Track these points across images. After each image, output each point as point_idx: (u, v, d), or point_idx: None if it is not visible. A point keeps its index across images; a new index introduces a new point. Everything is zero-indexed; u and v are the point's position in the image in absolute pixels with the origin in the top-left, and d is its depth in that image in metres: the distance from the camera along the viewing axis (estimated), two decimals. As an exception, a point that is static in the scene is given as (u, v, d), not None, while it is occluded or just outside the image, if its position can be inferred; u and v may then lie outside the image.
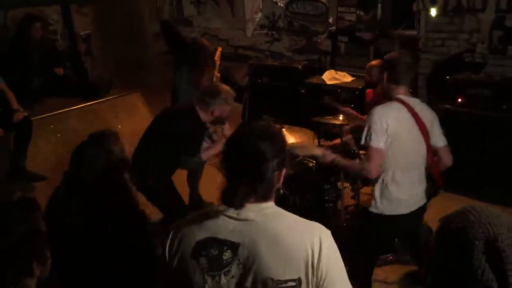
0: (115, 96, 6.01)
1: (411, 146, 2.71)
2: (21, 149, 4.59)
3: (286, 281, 1.42)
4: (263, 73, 6.13)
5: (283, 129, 4.14)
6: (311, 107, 5.41)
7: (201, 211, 1.59)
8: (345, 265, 1.51)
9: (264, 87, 6.06)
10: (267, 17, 6.61)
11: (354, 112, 4.38)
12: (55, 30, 6.31)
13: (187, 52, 4.10)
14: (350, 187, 4.25)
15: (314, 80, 5.77)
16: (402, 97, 2.72)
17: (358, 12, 5.76)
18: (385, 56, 2.99)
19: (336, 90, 5.47)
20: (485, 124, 4.36)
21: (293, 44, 6.50)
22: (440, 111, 4.02)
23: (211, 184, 4.14)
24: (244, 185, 1.46)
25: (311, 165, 4.10)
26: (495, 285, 0.99)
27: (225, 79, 6.28)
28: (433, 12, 5.06)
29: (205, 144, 3.56)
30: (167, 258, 1.54)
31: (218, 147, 3.39)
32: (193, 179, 4.29)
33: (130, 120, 5.71)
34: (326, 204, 3.96)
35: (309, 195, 3.90)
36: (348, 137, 4.12)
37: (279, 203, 1.57)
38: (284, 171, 1.56)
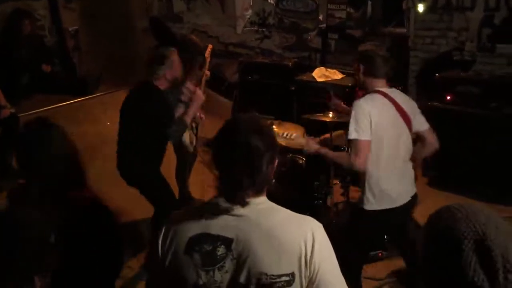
0: (104, 92, 5.97)
1: (395, 137, 2.70)
2: (8, 146, 4.54)
3: (280, 276, 1.43)
4: (253, 70, 6.10)
5: (273, 125, 4.15)
6: (301, 104, 5.42)
7: (193, 206, 1.58)
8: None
9: (254, 84, 6.04)
10: (257, 14, 6.60)
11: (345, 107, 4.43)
12: (42, 25, 6.24)
13: (179, 49, 4.07)
14: (340, 184, 4.26)
15: (304, 77, 5.76)
16: (381, 89, 2.72)
17: (348, 9, 5.76)
18: (359, 48, 2.94)
19: (326, 87, 5.47)
20: (473, 122, 4.39)
21: (284, 41, 6.49)
22: (429, 108, 4.06)
23: (200, 181, 4.13)
24: (244, 181, 1.45)
25: (301, 162, 4.11)
26: (486, 285, 0.99)
27: (215, 76, 6.26)
28: (421, 8, 5.07)
29: (180, 110, 3.51)
30: (160, 254, 1.54)
31: (195, 105, 3.41)
32: (182, 176, 4.27)
33: (118, 116, 5.66)
34: (316, 201, 3.97)
35: (298, 192, 3.91)
36: (337, 133, 4.12)
37: (269, 200, 1.56)
38: (276, 164, 1.55)
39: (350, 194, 4.17)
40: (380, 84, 2.73)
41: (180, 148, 4.08)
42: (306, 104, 5.44)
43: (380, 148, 2.67)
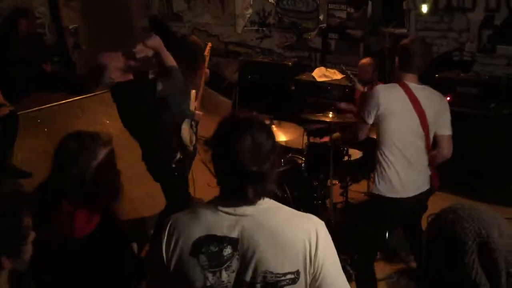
0: (104, 91, 5.95)
1: (403, 127, 2.76)
2: (7, 144, 4.53)
3: (285, 274, 1.44)
4: (253, 69, 6.11)
5: (273, 125, 4.14)
6: (300, 104, 5.42)
7: (195, 207, 1.57)
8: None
9: (254, 83, 6.04)
10: (257, 14, 6.59)
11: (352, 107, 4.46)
12: (42, 23, 6.23)
13: (180, 50, 4.05)
14: (339, 184, 4.26)
15: (304, 77, 5.76)
16: (407, 82, 2.78)
17: (348, 9, 5.75)
18: (400, 42, 2.99)
19: (326, 87, 5.47)
20: (473, 123, 4.39)
21: (284, 40, 6.49)
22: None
23: (200, 180, 4.12)
24: (248, 176, 1.44)
25: (300, 161, 4.11)
26: (487, 285, 0.99)
27: (215, 75, 6.25)
28: (424, 9, 5.07)
29: (160, 85, 3.16)
30: (164, 257, 1.52)
31: (163, 51, 3.07)
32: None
33: (118, 115, 5.65)
34: (315, 201, 3.97)
35: (298, 192, 3.90)
36: (335, 135, 4.12)
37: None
38: (277, 163, 1.55)
39: (349, 194, 4.18)
40: (409, 79, 2.80)
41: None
42: (305, 103, 5.45)
43: (387, 134, 2.77)
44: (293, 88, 5.70)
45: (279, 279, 1.43)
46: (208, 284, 1.46)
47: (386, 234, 3.26)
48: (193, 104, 3.78)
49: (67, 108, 5.46)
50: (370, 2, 5.60)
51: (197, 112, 3.85)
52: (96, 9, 6.61)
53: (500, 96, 4.42)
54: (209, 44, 4.15)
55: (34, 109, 5.18)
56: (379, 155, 2.82)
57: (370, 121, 2.82)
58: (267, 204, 1.53)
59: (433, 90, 2.87)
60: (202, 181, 4.20)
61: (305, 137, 4.14)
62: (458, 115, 4.47)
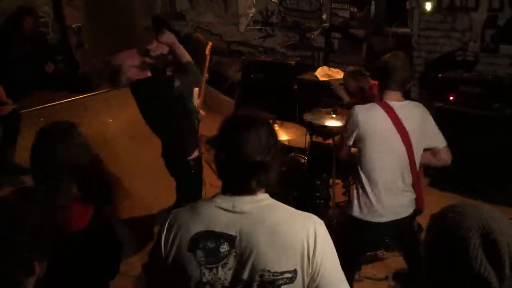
0: (107, 89, 5.96)
1: (384, 150, 2.64)
2: (9, 142, 4.53)
3: (282, 273, 1.43)
4: (256, 68, 6.10)
5: (275, 125, 4.14)
6: (303, 104, 5.41)
7: (196, 203, 1.58)
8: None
9: (257, 83, 6.04)
10: (260, 13, 6.59)
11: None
12: (46, 22, 6.24)
13: (186, 48, 4.06)
14: (342, 183, 4.25)
15: (307, 76, 5.76)
16: (388, 101, 2.66)
17: (351, 9, 5.75)
18: (375, 63, 2.94)
19: (329, 86, 5.46)
20: (476, 122, 4.38)
21: (287, 40, 6.49)
22: (431, 109, 4.03)
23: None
24: (254, 170, 1.46)
25: (302, 161, 4.11)
26: (492, 276, 0.99)
27: (217, 75, 6.26)
28: (428, 7, 5.06)
29: (177, 82, 3.21)
30: (162, 251, 1.54)
31: (177, 47, 3.09)
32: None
33: (121, 114, 5.66)
34: (317, 201, 3.96)
35: (300, 191, 3.90)
36: (338, 138, 4.12)
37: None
38: (279, 156, 1.57)
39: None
40: (390, 96, 2.67)
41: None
42: (308, 103, 5.44)
43: (366, 156, 2.66)
44: (296, 87, 5.70)
45: (276, 277, 1.43)
46: (205, 280, 1.46)
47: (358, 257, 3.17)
48: (196, 102, 3.80)
49: (69, 107, 5.45)
50: (373, 2, 5.60)
51: (200, 111, 3.86)
52: (99, 8, 6.62)
53: (503, 96, 4.42)
54: (210, 43, 4.16)
55: (37, 107, 5.18)
56: (359, 175, 2.69)
57: (350, 142, 2.71)
58: (266, 201, 1.53)
59: (415, 103, 2.77)
60: (206, 180, 4.19)
61: (308, 137, 4.14)
62: (461, 115, 4.53)
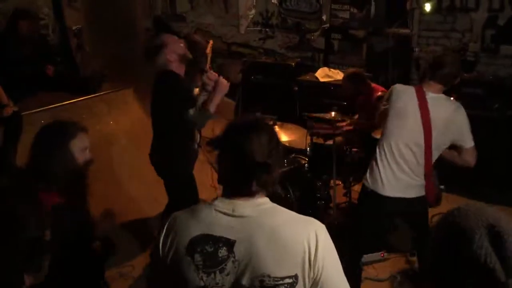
0: (108, 91, 5.97)
1: (405, 132, 2.77)
2: (11, 144, 4.54)
3: (283, 278, 1.42)
4: (256, 70, 6.10)
5: (276, 126, 4.14)
6: (304, 105, 5.41)
7: (195, 206, 1.58)
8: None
9: (257, 84, 6.04)
10: (260, 14, 6.59)
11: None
12: (46, 24, 6.24)
13: None
14: (342, 184, 4.25)
15: (307, 77, 5.76)
16: (425, 89, 2.78)
17: (351, 9, 5.74)
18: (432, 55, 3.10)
19: (329, 87, 5.46)
20: (476, 123, 4.35)
21: (287, 41, 6.49)
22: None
23: (203, 180, 4.12)
24: (256, 171, 1.46)
25: (303, 162, 4.11)
26: (498, 267, 0.99)
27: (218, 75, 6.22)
28: (428, 7, 5.06)
29: (202, 98, 3.40)
30: (160, 253, 1.53)
31: (219, 92, 3.25)
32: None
33: (122, 115, 5.67)
34: (318, 202, 3.97)
35: (301, 192, 3.90)
36: (338, 139, 4.12)
37: (271, 200, 1.56)
38: (280, 158, 1.58)
39: (353, 194, 4.17)
40: (428, 86, 2.78)
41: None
42: (309, 104, 5.44)
43: (387, 136, 2.82)
44: (296, 88, 5.70)
45: (277, 283, 1.41)
46: (202, 284, 1.45)
47: (369, 237, 3.16)
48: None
49: (70, 108, 5.46)
50: (373, 2, 5.59)
51: (209, 72, 3.79)
52: (100, 10, 6.62)
53: (503, 96, 4.41)
54: (211, 42, 4.15)
55: (38, 109, 5.19)
56: (377, 147, 2.88)
57: (383, 107, 2.92)
58: (267, 205, 1.52)
59: (452, 100, 2.84)
60: (208, 182, 4.19)
61: (309, 138, 4.14)
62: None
